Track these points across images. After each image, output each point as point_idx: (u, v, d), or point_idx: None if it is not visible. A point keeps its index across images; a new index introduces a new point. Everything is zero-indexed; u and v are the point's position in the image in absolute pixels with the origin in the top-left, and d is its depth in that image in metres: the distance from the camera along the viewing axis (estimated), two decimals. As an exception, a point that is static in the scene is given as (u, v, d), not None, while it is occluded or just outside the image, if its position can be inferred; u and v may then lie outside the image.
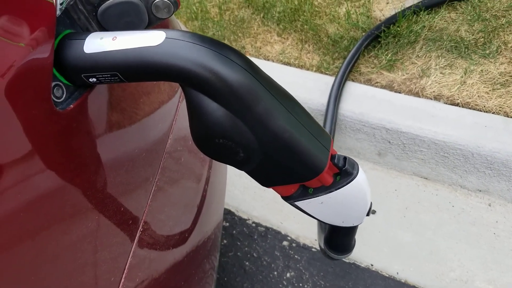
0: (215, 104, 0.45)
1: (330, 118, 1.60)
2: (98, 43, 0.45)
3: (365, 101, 1.67)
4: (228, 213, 1.63)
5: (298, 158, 0.50)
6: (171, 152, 0.76)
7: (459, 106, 1.57)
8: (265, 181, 0.56)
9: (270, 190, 0.58)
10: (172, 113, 0.80)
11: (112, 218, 0.56)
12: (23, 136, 0.41)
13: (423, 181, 1.65)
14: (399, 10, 1.89)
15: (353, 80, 1.77)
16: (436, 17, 1.84)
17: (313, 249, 1.48)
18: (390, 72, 1.74)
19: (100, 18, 0.54)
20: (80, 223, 0.50)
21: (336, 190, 0.55)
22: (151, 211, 0.66)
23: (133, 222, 0.62)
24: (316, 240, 1.51)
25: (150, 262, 0.65)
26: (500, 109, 1.51)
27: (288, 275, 1.43)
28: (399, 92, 1.68)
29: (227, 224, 1.60)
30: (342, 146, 1.78)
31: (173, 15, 0.59)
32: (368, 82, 1.75)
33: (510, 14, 1.75)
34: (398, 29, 1.82)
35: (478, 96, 1.56)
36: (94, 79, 0.47)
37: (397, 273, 1.39)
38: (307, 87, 1.79)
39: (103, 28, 0.55)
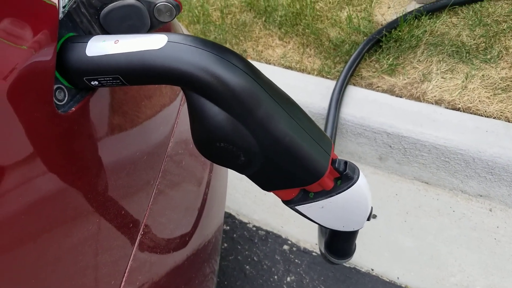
0: (217, 107, 0.45)
1: (331, 122, 1.60)
2: (100, 46, 0.46)
3: (366, 105, 1.67)
4: (228, 217, 1.63)
5: (299, 162, 0.50)
6: (172, 156, 0.76)
7: (460, 111, 1.57)
8: (266, 185, 0.56)
9: (271, 194, 0.58)
10: (173, 116, 0.81)
11: (113, 221, 0.56)
12: (25, 139, 0.41)
13: (424, 186, 1.64)
14: (401, 14, 1.89)
15: (354, 84, 1.77)
16: (438, 21, 1.84)
17: (314, 253, 1.48)
18: (391, 77, 1.74)
19: (103, 21, 0.54)
20: (81, 225, 0.50)
21: (336, 194, 0.55)
22: (152, 214, 0.66)
23: (134, 225, 0.62)
24: (316, 244, 1.51)
25: (151, 265, 0.65)
26: (501, 114, 1.51)
27: (288, 279, 1.42)
28: (400, 97, 1.68)
29: (228, 227, 1.60)
30: (343, 150, 1.78)
31: (175, 18, 0.59)
32: (369, 86, 1.75)
33: (511, 20, 1.75)
34: (400, 33, 1.83)
35: (479, 101, 1.56)
36: (96, 82, 0.47)
37: (398, 277, 1.39)
38: (309, 91, 1.79)
39: (105, 31, 0.56)
